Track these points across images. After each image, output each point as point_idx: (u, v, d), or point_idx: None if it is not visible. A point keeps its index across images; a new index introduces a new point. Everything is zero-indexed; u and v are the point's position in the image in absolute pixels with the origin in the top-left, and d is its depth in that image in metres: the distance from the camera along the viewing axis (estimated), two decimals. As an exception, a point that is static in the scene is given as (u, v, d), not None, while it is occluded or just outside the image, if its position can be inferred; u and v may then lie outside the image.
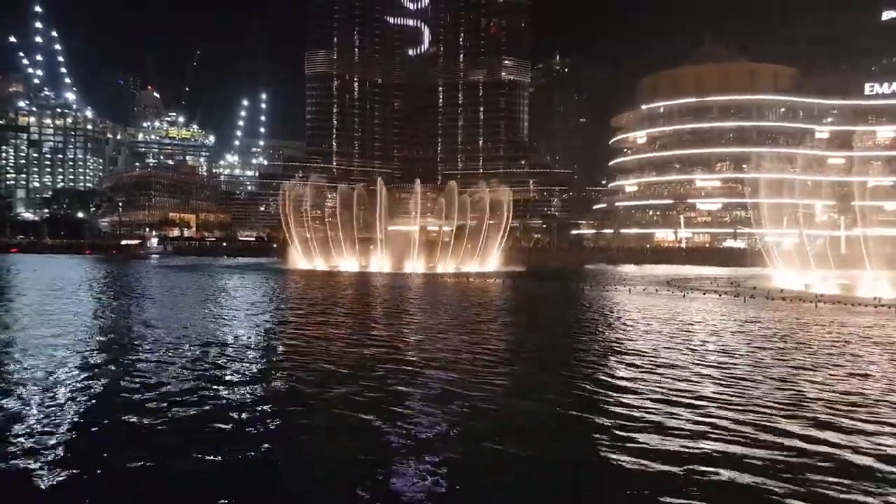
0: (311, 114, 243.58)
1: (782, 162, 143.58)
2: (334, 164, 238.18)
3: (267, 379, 16.08)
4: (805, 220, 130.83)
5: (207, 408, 13.14)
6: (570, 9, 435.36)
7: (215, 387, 14.97)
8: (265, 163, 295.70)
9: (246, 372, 16.80)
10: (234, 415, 12.66)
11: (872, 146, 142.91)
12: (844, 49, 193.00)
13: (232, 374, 16.42)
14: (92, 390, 14.56)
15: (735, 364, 18.42)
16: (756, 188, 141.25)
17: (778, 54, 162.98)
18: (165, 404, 13.27)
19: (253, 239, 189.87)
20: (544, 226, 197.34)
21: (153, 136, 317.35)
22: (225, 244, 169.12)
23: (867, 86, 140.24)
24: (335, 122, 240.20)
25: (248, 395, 14.30)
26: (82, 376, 15.83)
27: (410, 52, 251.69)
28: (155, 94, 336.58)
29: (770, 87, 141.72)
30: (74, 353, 18.71)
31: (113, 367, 16.99)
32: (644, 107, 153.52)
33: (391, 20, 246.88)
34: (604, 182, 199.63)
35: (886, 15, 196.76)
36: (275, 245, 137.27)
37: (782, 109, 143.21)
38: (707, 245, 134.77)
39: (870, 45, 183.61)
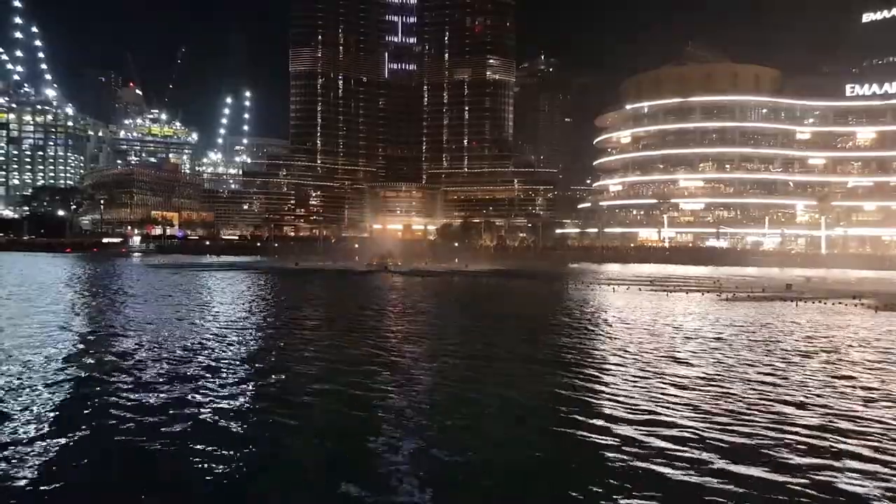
0: (295, 111, 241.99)
1: (764, 162, 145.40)
2: (319, 162, 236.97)
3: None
4: (786, 220, 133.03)
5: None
6: (555, 9, 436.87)
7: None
8: (249, 161, 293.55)
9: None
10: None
11: (853, 147, 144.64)
12: (826, 50, 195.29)
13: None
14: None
15: (712, 364, 18.53)
16: (739, 188, 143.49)
17: (760, 56, 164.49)
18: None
19: (236, 238, 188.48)
20: (529, 225, 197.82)
21: (135, 134, 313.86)
22: (208, 243, 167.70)
23: (848, 87, 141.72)
24: (320, 119, 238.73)
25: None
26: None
27: (395, 49, 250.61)
28: (137, 91, 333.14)
29: (752, 88, 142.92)
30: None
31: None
32: (628, 107, 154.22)
33: (376, 18, 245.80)
34: (588, 182, 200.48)
35: (867, 17, 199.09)
36: (258, 244, 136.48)
37: (764, 110, 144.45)
38: (690, 244, 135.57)
39: (850, 47, 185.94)
